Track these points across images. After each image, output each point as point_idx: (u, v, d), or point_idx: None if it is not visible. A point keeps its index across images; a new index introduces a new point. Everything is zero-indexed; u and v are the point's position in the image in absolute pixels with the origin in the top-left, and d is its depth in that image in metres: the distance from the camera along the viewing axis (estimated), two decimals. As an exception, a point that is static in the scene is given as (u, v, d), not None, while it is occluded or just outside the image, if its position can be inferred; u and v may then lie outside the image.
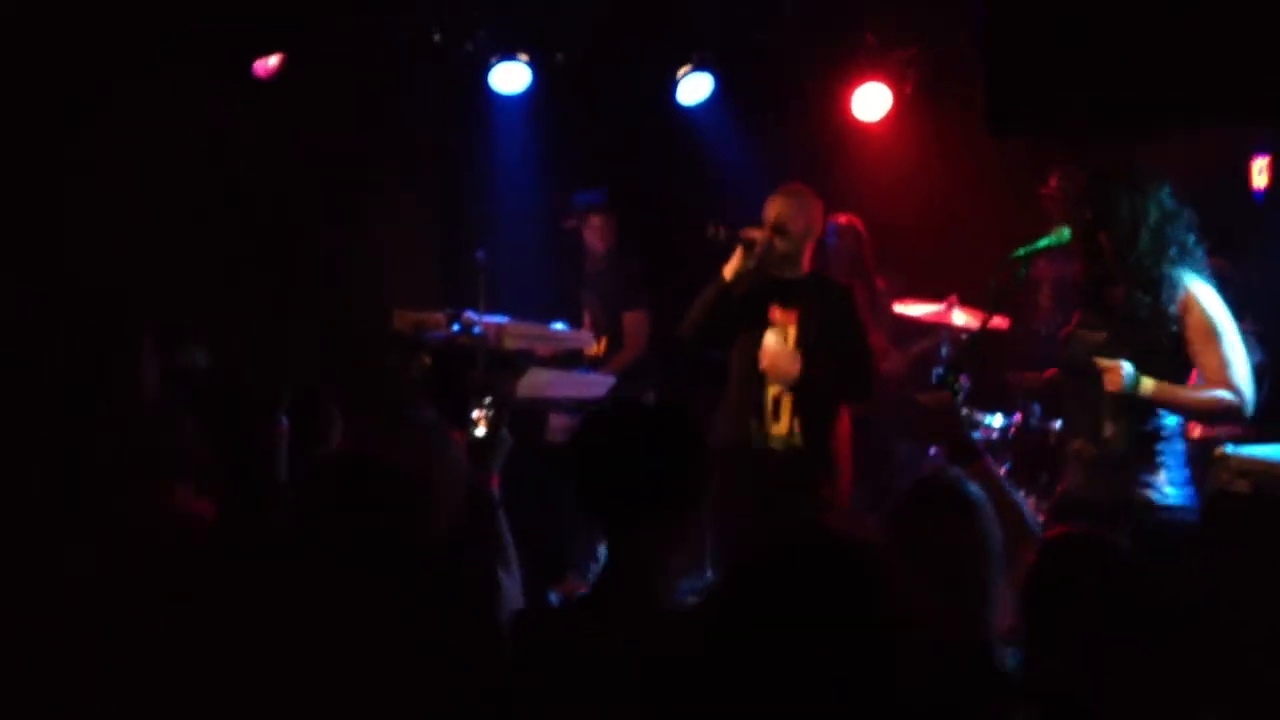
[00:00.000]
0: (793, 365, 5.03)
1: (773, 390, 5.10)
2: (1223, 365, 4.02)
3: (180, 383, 4.29)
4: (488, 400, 3.27)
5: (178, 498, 3.22)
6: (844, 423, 5.26)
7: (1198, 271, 4.11)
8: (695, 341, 5.27)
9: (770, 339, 5.08)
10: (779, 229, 5.06)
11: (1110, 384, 4.02)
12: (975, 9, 3.61)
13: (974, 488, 3.12)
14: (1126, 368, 4.00)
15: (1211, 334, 4.05)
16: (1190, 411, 4.11)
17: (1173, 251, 4.10)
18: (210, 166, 6.40)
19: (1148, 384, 4.00)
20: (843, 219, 7.08)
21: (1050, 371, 4.71)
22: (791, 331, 5.08)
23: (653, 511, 2.64)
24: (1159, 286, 4.08)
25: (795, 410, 5.08)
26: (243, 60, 6.03)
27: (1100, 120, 3.44)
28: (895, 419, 6.57)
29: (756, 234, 5.07)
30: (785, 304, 5.10)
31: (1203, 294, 4.09)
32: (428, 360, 6.14)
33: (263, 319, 6.62)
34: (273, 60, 6.10)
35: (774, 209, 5.10)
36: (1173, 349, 4.08)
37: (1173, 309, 4.06)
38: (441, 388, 5.95)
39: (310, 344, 6.63)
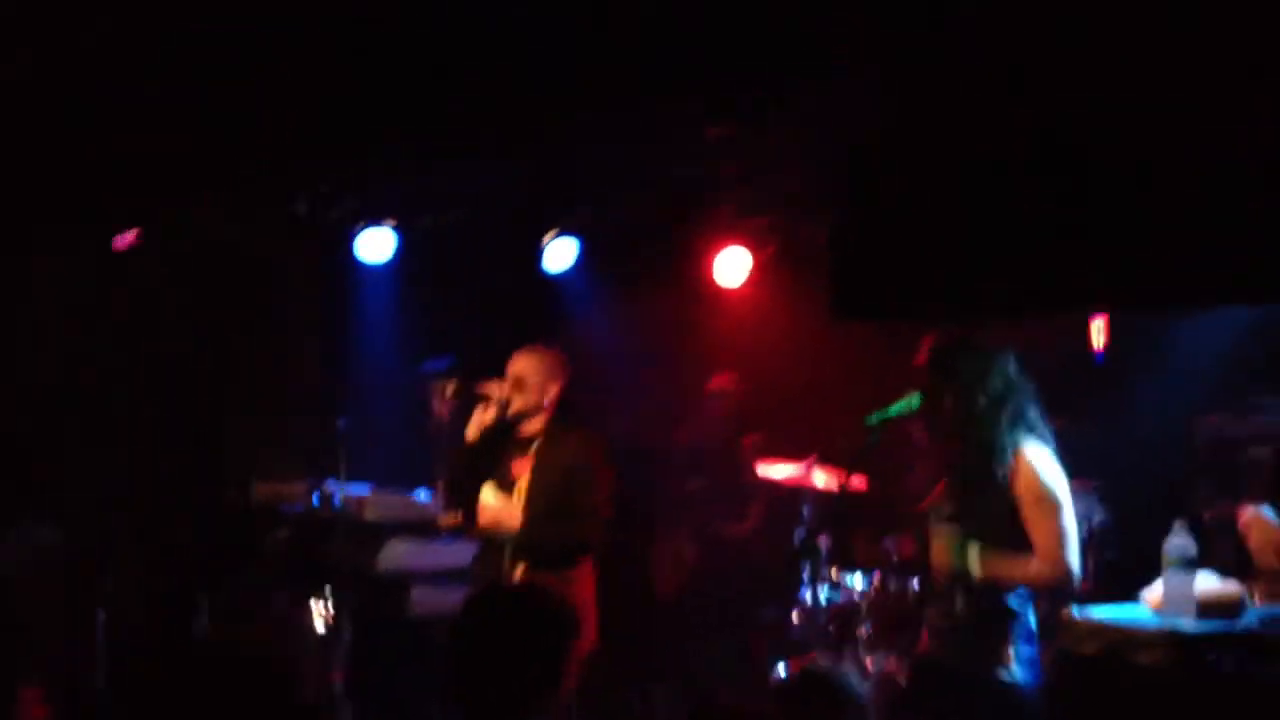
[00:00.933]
0: (512, 520, 5.19)
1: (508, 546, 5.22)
2: (1051, 535, 4.12)
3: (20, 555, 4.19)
4: (328, 592, 3.24)
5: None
6: (584, 574, 5.29)
7: (1039, 440, 4.25)
8: (452, 504, 5.45)
9: (488, 496, 5.25)
10: (517, 384, 5.26)
11: (936, 560, 4.13)
12: (827, 186, 3.78)
13: (853, 680, 3.17)
14: (954, 544, 4.10)
15: (1042, 502, 4.16)
16: (1019, 586, 4.19)
17: (1010, 420, 4.24)
18: (71, 338, 6.32)
19: (974, 562, 4.10)
20: (719, 381, 7.22)
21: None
22: (523, 484, 5.25)
23: (522, 700, 2.63)
24: (992, 454, 4.20)
25: (522, 563, 5.19)
26: (105, 235, 6.01)
27: (937, 313, 3.60)
28: (758, 577, 6.63)
29: (494, 390, 5.26)
30: (525, 457, 5.30)
31: (1037, 461, 4.20)
32: (285, 534, 6.06)
33: (121, 491, 6.48)
34: (130, 234, 6.08)
35: (514, 366, 5.32)
36: (1009, 516, 4.19)
37: (1004, 476, 4.18)
38: (299, 561, 5.86)
39: (170, 516, 6.50)
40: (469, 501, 5.34)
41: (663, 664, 7.00)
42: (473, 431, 5.30)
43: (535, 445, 5.30)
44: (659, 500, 7.34)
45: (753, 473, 6.83)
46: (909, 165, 3.46)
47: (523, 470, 5.29)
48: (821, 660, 3.39)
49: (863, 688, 3.18)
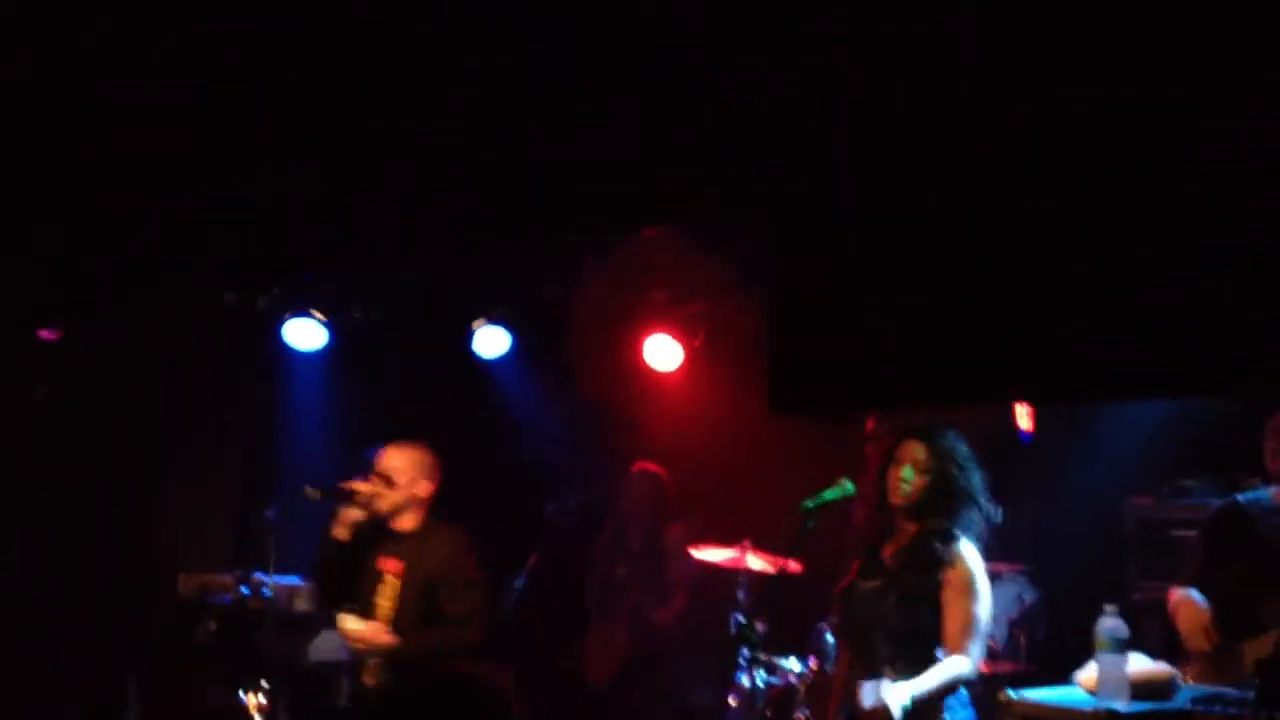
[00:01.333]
0: (380, 639, 5.09)
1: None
2: (965, 626, 4.30)
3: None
4: (263, 683, 3.20)
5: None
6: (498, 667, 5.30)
7: (968, 531, 4.38)
8: (323, 603, 5.43)
9: (349, 624, 5.14)
10: (386, 480, 5.23)
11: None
12: (758, 273, 3.84)
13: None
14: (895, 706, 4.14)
15: (968, 592, 4.32)
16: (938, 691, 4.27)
17: (978, 520, 4.38)
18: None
19: (903, 698, 4.15)
20: (642, 467, 7.22)
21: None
22: (393, 585, 5.20)
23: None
24: (949, 543, 4.32)
25: (387, 663, 5.12)
26: (28, 326, 5.95)
27: (871, 406, 3.66)
28: (687, 662, 6.61)
29: (361, 486, 5.21)
30: (395, 555, 5.25)
31: (970, 557, 4.39)
32: (213, 625, 5.96)
33: (45, 583, 6.36)
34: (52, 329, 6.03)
35: (382, 461, 5.28)
36: (935, 596, 4.32)
37: (945, 559, 4.29)
38: (229, 653, 5.77)
39: (97, 608, 6.38)
40: (337, 597, 5.27)
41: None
42: (338, 528, 5.22)
43: (405, 544, 5.25)
44: (589, 588, 7.31)
45: (678, 557, 6.83)
46: (833, 262, 3.54)
47: (390, 567, 5.23)
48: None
49: None
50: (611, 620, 7.20)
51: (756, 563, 6.44)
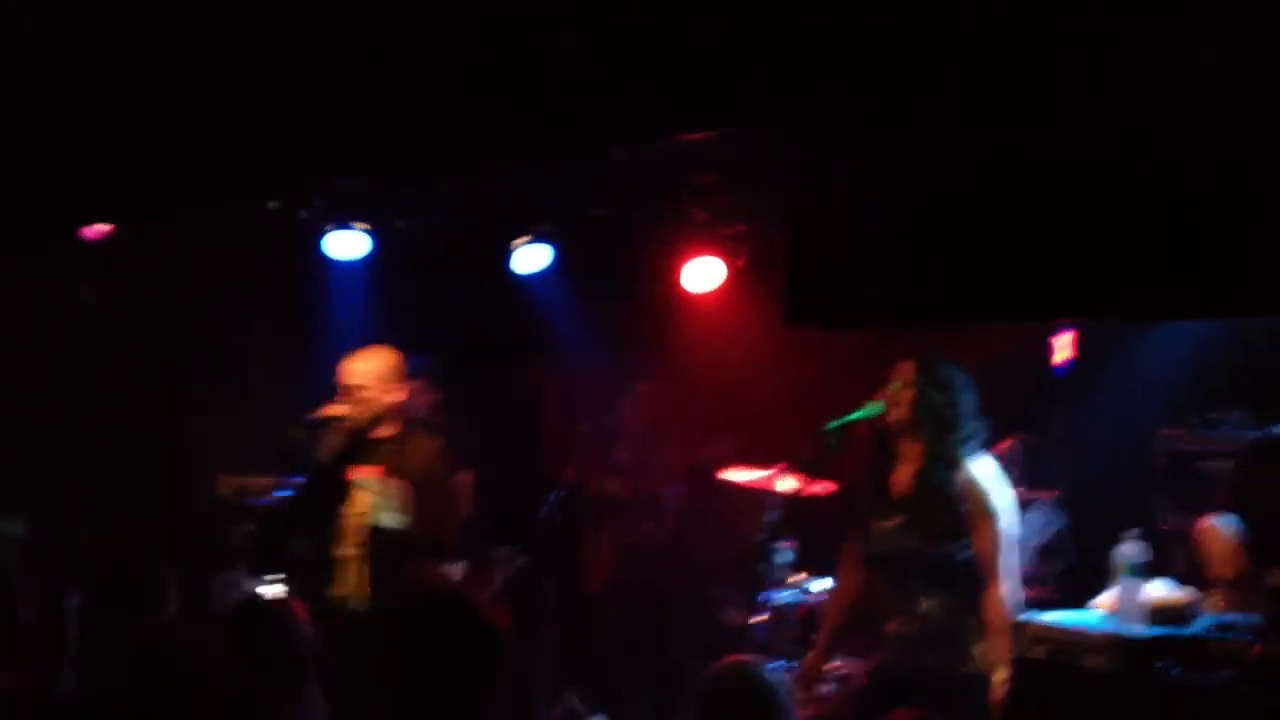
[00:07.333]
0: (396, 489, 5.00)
1: (343, 551, 5.09)
2: (995, 545, 4.31)
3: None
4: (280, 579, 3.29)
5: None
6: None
7: (977, 452, 4.39)
8: (299, 526, 5.36)
9: (367, 482, 5.06)
10: (354, 393, 5.11)
11: None
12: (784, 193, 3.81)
13: (772, 677, 3.21)
14: None
15: (987, 513, 4.33)
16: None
17: (971, 439, 4.38)
18: (39, 331, 6.34)
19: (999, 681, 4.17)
20: (640, 388, 7.24)
21: None
22: (375, 486, 5.09)
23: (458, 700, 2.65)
24: (956, 468, 4.33)
25: (363, 568, 5.07)
26: (72, 228, 6.02)
27: (892, 317, 3.64)
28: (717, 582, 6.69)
29: (335, 409, 5.11)
30: (371, 461, 5.13)
31: (983, 475, 4.38)
32: (252, 526, 6.07)
33: (90, 486, 6.50)
34: (103, 225, 6.09)
35: (346, 374, 5.15)
36: (957, 527, 4.34)
37: (958, 490, 4.31)
38: (265, 554, 5.88)
39: (137, 511, 6.52)
40: (315, 520, 5.18)
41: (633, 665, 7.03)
42: (323, 454, 5.13)
43: (383, 450, 5.14)
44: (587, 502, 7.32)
45: (671, 477, 6.85)
46: (863, 170, 3.49)
47: (368, 473, 5.12)
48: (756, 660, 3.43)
49: (784, 688, 3.23)
50: (600, 534, 7.24)
51: (787, 484, 6.48)
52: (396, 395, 5.18)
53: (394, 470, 5.08)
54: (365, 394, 5.11)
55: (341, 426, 5.09)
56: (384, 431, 5.17)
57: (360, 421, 5.11)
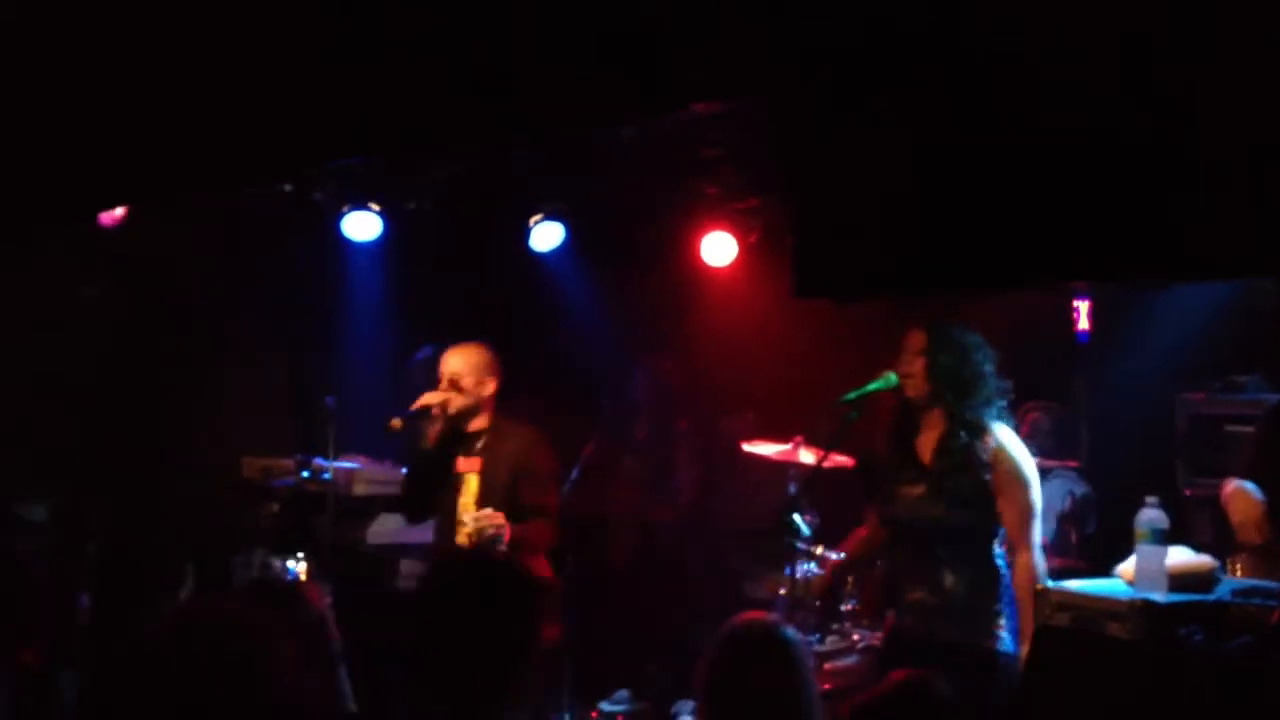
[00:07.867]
0: (493, 518, 5.10)
1: (459, 539, 5.22)
2: (1023, 513, 4.30)
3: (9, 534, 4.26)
4: (299, 556, 3.29)
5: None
6: (541, 568, 5.29)
7: (1001, 418, 4.36)
8: (414, 516, 5.51)
9: (471, 513, 5.18)
10: (454, 385, 5.28)
11: None
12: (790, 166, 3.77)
13: (790, 632, 3.20)
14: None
15: (1017, 481, 4.31)
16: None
17: (994, 401, 4.36)
18: (55, 314, 6.35)
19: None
20: (657, 364, 7.24)
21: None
22: (473, 483, 5.27)
23: (495, 670, 2.64)
24: (981, 434, 4.31)
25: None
26: (89, 214, 6.04)
27: (901, 287, 3.60)
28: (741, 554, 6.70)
29: (432, 398, 5.27)
30: (468, 454, 5.31)
31: (1010, 442, 4.36)
32: (275, 508, 6.10)
33: (111, 469, 6.52)
34: (118, 210, 6.10)
35: (446, 365, 5.34)
36: (983, 496, 4.30)
37: (985, 457, 4.28)
38: (289, 535, 5.91)
39: (160, 493, 6.54)
40: (427, 509, 5.40)
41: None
42: (427, 444, 5.35)
43: (481, 442, 5.33)
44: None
45: (687, 453, 6.87)
46: (869, 137, 3.44)
47: (469, 467, 5.31)
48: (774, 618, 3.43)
49: (804, 644, 3.23)
50: (618, 510, 7.26)
51: (808, 457, 6.48)
52: (491, 387, 5.35)
53: (492, 460, 5.26)
54: (464, 384, 5.28)
55: (439, 415, 5.26)
56: (478, 423, 5.34)
57: (460, 411, 5.27)
